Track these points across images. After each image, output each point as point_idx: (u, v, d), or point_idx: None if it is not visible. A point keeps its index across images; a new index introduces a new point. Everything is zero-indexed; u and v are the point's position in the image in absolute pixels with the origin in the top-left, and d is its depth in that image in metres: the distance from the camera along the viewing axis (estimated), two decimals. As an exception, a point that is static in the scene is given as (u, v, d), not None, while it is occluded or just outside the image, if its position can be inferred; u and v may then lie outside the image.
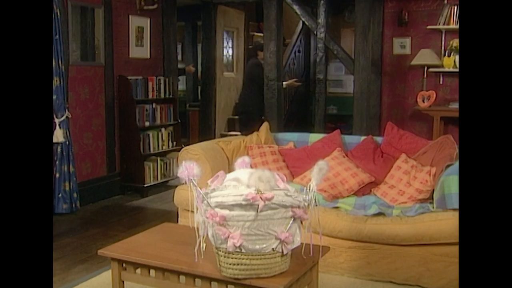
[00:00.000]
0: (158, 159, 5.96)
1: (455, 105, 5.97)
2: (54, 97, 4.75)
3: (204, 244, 2.31)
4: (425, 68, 6.39)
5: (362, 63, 5.63)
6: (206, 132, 7.62)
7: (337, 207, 3.56)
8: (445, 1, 6.28)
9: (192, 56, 9.65)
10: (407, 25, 6.58)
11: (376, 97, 6.72)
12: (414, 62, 6.32)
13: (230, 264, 2.24)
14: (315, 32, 6.53)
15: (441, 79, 6.48)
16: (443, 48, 6.38)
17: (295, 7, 6.48)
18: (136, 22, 5.95)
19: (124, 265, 2.64)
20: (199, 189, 2.22)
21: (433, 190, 3.53)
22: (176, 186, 4.01)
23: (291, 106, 8.17)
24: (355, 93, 5.73)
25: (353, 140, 4.41)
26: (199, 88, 8.75)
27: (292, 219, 2.24)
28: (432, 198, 3.50)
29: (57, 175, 4.89)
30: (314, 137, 4.51)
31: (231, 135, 7.81)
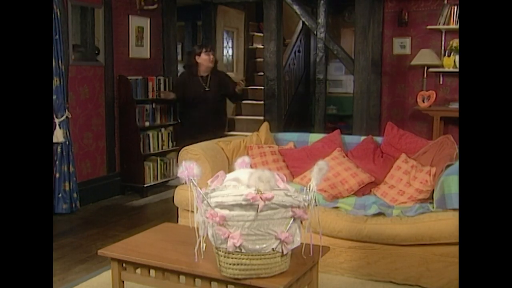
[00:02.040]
0: (158, 159, 5.96)
1: (455, 105, 5.97)
2: (54, 97, 4.75)
3: (204, 244, 2.31)
4: (425, 68, 6.39)
5: (362, 63, 5.63)
6: (206, 132, 7.60)
7: (337, 207, 3.56)
8: (445, 1, 6.28)
9: (192, 56, 9.64)
10: (407, 25, 6.58)
11: (376, 97, 6.72)
12: (414, 62, 6.32)
13: (230, 264, 2.24)
14: (315, 32, 6.54)
15: (441, 79, 6.48)
16: (443, 48, 6.39)
17: (295, 7, 6.48)
18: (136, 22, 5.95)
19: (124, 265, 2.64)
20: (199, 189, 2.22)
21: (433, 190, 3.53)
22: (176, 186, 4.01)
23: (291, 106, 8.17)
24: (355, 93, 5.73)
25: (353, 140, 4.41)
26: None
27: (292, 219, 2.24)
28: (432, 198, 3.51)
29: (57, 175, 4.89)
30: (314, 137, 4.51)
31: (231, 135, 7.81)
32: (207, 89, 5.38)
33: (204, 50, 5.34)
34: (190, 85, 5.38)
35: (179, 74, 5.65)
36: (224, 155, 4.12)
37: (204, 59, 5.35)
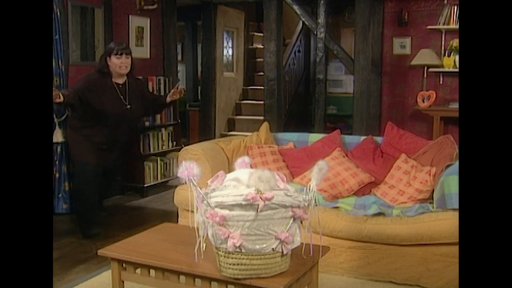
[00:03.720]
0: (158, 159, 5.96)
1: (455, 105, 5.97)
2: (54, 97, 4.75)
3: (204, 244, 2.31)
4: (425, 68, 6.39)
5: (362, 63, 5.63)
6: (206, 132, 7.62)
7: (337, 207, 3.56)
8: (445, 1, 6.28)
9: (192, 56, 9.66)
10: (407, 25, 6.58)
11: (376, 97, 6.72)
12: (414, 62, 6.32)
13: (230, 264, 2.24)
14: (315, 32, 6.54)
15: (441, 79, 6.48)
16: (443, 48, 6.39)
17: (295, 7, 6.48)
18: (136, 22, 5.95)
19: (124, 265, 2.64)
20: (199, 189, 2.22)
21: (433, 190, 3.53)
22: (176, 186, 4.01)
23: (291, 106, 8.18)
24: (355, 93, 5.74)
25: (353, 140, 4.41)
26: (199, 88, 8.77)
27: (292, 219, 2.24)
28: (432, 198, 3.51)
29: (57, 175, 4.89)
30: (314, 137, 4.51)
31: (231, 135, 7.82)
32: (127, 106, 4.19)
33: (115, 51, 4.08)
34: (103, 94, 4.08)
35: (86, 75, 4.22)
36: (224, 155, 4.12)
37: (113, 63, 4.10)
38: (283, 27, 6.53)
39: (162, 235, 2.86)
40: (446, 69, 6.26)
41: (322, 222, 3.00)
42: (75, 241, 4.19)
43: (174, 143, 6.24)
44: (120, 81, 4.20)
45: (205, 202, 2.21)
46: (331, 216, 3.39)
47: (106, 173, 4.42)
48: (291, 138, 4.58)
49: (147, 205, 5.42)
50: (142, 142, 5.74)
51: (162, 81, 6.11)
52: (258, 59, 8.95)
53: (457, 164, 3.40)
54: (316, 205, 2.31)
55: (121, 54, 4.08)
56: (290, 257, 2.33)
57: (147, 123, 5.86)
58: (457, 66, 6.00)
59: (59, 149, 4.88)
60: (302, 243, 2.33)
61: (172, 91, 4.45)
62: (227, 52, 8.52)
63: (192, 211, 2.43)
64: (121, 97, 4.17)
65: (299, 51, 8.42)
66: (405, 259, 3.25)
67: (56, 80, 4.75)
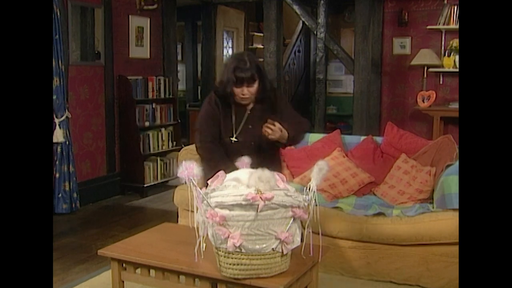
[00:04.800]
0: (158, 159, 5.96)
1: (455, 105, 5.97)
2: (54, 97, 4.75)
3: (204, 244, 2.31)
4: (425, 68, 6.39)
5: (362, 63, 5.63)
6: (206, 132, 7.60)
7: (337, 207, 3.56)
8: (445, 1, 6.28)
9: (192, 56, 9.66)
10: (407, 25, 6.59)
11: (376, 97, 6.72)
12: (414, 62, 6.32)
13: (230, 264, 2.23)
14: (315, 32, 6.54)
15: (441, 79, 6.48)
16: (443, 48, 6.39)
17: (295, 7, 6.48)
18: (136, 22, 5.95)
19: (124, 265, 2.63)
20: (199, 189, 2.21)
21: (433, 190, 3.53)
22: (176, 186, 4.01)
23: (291, 106, 8.17)
24: (355, 93, 5.74)
25: (353, 140, 4.41)
26: (199, 88, 8.77)
27: (292, 219, 2.24)
28: (432, 198, 3.51)
29: (57, 175, 4.89)
30: (314, 137, 4.51)
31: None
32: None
33: (234, 80, 2.91)
34: (225, 125, 3.02)
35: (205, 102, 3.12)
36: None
37: (234, 91, 2.96)
38: (283, 27, 6.53)
39: (162, 235, 2.86)
40: (446, 69, 6.26)
41: (322, 222, 3.00)
42: (75, 241, 4.19)
43: (174, 143, 6.24)
44: (249, 106, 3.07)
45: (205, 202, 2.21)
46: (331, 216, 3.39)
47: None
48: (291, 138, 4.57)
49: (147, 205, 5.42)
50: (142, 142, 5.74)
51: (162, 81, 6.11)
52: (258, 59, 8.94)
53: (457, 164, 3.40)
54: (316, 205, 2.31)
55: (241, 84, 2.93)
56: (290, 257, 2.33)
57: (147, 123, 5.87)
58: (457, 66, 6.00)
59: (59, 149, 4.88)
60: (302, 243, 2.33)
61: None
62: (227, 52, 8.52)
63: (192, 211, 2.43)
64: (248, 121, 3.03)
65: (299, 51, 8.43)
66: (405, 259, 3.25)
67: (56, 80, 4.75)
